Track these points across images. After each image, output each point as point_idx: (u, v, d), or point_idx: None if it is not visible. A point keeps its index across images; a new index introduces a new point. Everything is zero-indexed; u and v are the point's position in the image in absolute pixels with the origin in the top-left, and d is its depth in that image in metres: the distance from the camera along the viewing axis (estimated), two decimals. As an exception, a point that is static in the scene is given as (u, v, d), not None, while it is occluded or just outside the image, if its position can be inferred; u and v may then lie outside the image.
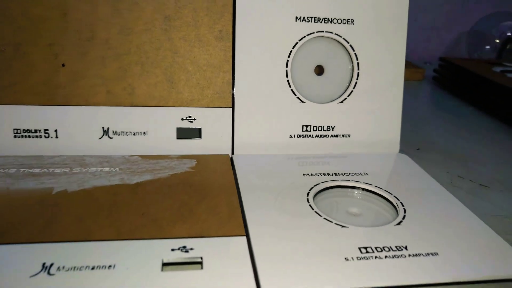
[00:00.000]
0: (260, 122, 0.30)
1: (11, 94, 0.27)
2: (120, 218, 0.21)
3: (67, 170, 0.26)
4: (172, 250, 0.19)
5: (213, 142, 0.29)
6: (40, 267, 0.18)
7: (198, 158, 0.28)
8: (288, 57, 0.29)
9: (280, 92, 0.30)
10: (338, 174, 0.27)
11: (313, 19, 0.29)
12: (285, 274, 0.18)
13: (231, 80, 0.29)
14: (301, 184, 0.26)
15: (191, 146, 0.29)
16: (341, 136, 0.31)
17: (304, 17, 0.29)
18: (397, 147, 0.32)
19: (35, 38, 0.27)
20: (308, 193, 0.25)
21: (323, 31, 0.30)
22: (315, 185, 0.26)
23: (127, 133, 0.28)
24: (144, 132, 0.29)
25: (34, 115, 0.27)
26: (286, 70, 0.30)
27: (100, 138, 0.28)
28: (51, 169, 0.26)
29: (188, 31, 0.28)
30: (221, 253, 0.19)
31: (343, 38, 0.30)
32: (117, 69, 0.28)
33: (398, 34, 0.31)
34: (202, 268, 0.18)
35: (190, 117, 0.29)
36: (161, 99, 0.29)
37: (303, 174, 0.27)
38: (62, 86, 0.27)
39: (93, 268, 0.18)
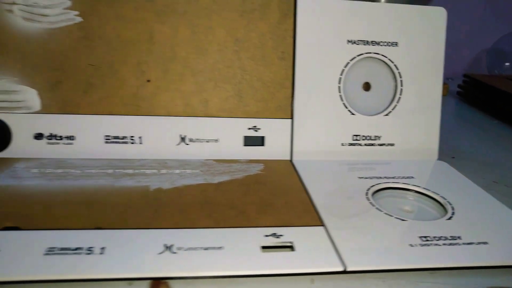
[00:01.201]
0: (316, 132, 0.34)
1: (104, 105, 0.31)
2: (214, 210, 0.25)
3: (156, 171, 0.29)
4: (266, 236, 0.23)
5: (274, 149, 0.33)
6: (163, 247, 0.21)
7: (264, 162, 0.32)
8: (341, 75, 0.33)
9: (333, 105, 0.34)
10: (389, 177, 0.31)
11: (362, 42, 0.33)
12: (363, 255, 0.22)
13: (291, 95, 0.33)
14: (359, 185, 0.30)
15: (255, 152, 0.33)
16: (386, 144, 0.35)
17: (354, 40, 0.33)
18: (435, 154, 0.35)
19: (126, 58, 0.31)
20: (367, 192, 0.28)
21: (371, 53, 0.34)
22: (371, 186, 0.29)
23: (201, 140, 0.32)
24: (216, 140, 0.32)
25: (123, 124, 0.31)
26: (339, 86, 0.33)
27: (177, 145, 0.32)
28: (142, 170, 0.29)
29: (255, 52, 0.32)
30: (306, 239, 0.23)
31: (388, 59, 0.34)
32: (194, 84, 0.32)
33: (436, 55, 0.35)
34: (294, 250, 0.22)
35: (255, 126, 0.33)
36: (231, 111, 0.32)
37: (358, 177, 0.31)
38: (147, 98, 0.31)
39: (206, 249, 0.21)
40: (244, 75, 0.32)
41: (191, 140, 0.32)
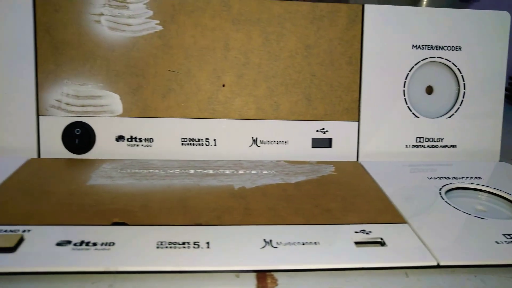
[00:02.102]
0: (381, 134, 0.35)
1: (181, 109, 0.33)
2: (300, 208, 0.26)
3: (234, 171, 0.31)
4: (356, 232, 0.24)
5: (341, 151, 0.34)
6: (263, 242, 0.23)
7: (333, 163, 0.33)
8: (405, 78, 0.34)
9: (398, 108, 0.35)
10: (457, 178, 0.32)
11: (426, 46, 0.34)
12: (454, 250, 0.23)
13: (358, 98, 0.34)
14: (430, 185, 0.30)
15: (322, 154, 0.34)
16: (448, 146, 0.35)
17: (419, 45, 0.34)
18: (497, 156, 0.36)
19: (202, 64, 0.33)
20: (440, 192, 0.29)
21: (435, 57, 0.35)
22: (442, 186, 0.30)
23: (272, 142, 0.34)
24: (285, 142, 0.34)
25: (198, 127, 0.33)
26: (404, 90, 0.34)
27: (249, 146, 0.34)
28: (221, 171, 0.31)
29: (324, 57, 0.34)
30: (394, 235, 0.24)
31: (452, 63, 0.35)
32: (266, 89, 0.33)
33: (499, 58, 0.36)
34: (385, 245, 0.23)
35: (323, 129, 0.34)
36: (300, 114, 0.34)
37: (428, 178, 0.32)
38: (221, 102, 0.33)
39: (304, 244, 0.23)
40: (313, 80, 0.34)
41: (262, 142, 0.34)
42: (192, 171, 0.31)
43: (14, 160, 0.31)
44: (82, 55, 0.32)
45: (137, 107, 0.33)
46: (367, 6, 0.34)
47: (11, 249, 0.21)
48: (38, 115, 0.32)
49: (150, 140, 0.33)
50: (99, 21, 0.32)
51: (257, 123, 0.33)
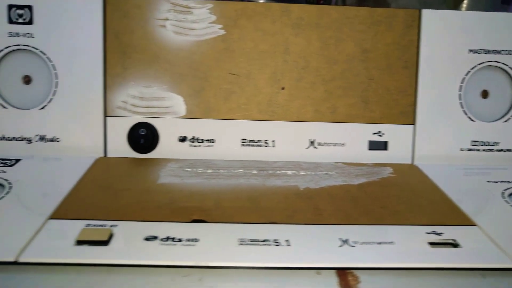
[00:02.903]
0: (436, 137, 0.35)
1: (242, 111, 0.34)
2: (368, 209, 0.27)
3: (296, 172, 0.32)
4: (427, 233, 0.24)
5: (397, 153, 0.35)
6: (340, 241, 0.23)
7: (390, 166, 0.34)
8: (461, 83, 0.35)
9: (454, 112, 0.35)
10: (516, 181, 0.32)
11: (483, 51, 0.35)
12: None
13: (414, 102, 0.35)
14: (491, 189, 0.31)
15: (378, 156, 0.35)
16: (504, 150, 0.36)
17: (476, 50, 0.35)
18: (552, 161, 0.36)
19: (262, 67, 0.34)
20: (503, 195, 0.30)
21: (491, 61, 0.35)
22: (504, 190, 0.30)
23: (329, 144, 0.34)
24: (342, 144, 0.34)
25: (258, 128, 0.34)
26: (459, 94, 0.35)
27: (307, 148, 0.34)
28: (283, 171, 0.32)
29: (381, 62, 0.34)
30: (466, 237, 0.24)
31: (509, 67, 0.35)
32: (324, 92, 0.34)
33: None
34: (459, 247, 0.23)
35: (379, 131, 0.34)
36: (357, 117, 0.34)
37: (487, 181, 0.32)
38: (280, 105, 0.34)
39: (379, 243, 0.23)
40: (370, 83, 0.34)
41: (319, 144, 0.34)
42: (255, 171, 0.32)
43: (84, 159, 0.33)
44: (148, 58, 0.33)
45: (199, 109, 0.34)
46: (424, 11, 0.34)
47: (105, 243, 0.23)
48: (105, 116, 0.34)
49: (211, 140, 0.34)
50: (164, 26, 0.33)
51: (314, 125, 0.34)
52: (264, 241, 0.23)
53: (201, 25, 0.33)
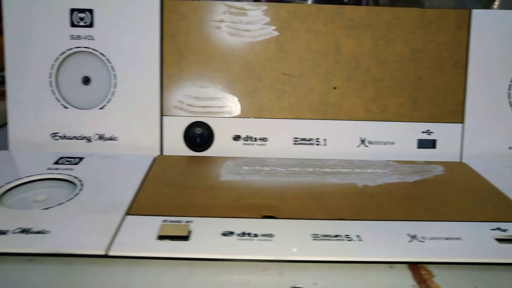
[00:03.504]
0: (485, 136, 0.35)
1: (294, 110, 0.35)
2: (429, 205, 0.28)
3: (350, 170, 0.33)
4: (492, 229, 0.25)
5: (445, 151, 0.35)
6: (409, 237, 0.24)
7: (440, 164, 0.34)
8: (510, 82, 0.35)
9: (503, 111, 0.35)
10: None
11: (532, 50, 0.35)
12: None
13: (462, 101, 0.35)
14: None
15: (427, 154, 0.35)
16: (551, 148, 0.36)
17: (524, 49, 0.35)
18: None
19: (314, 67, 0.34)
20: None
21: (539, 60, 0.35)
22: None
23: (379, 143, 0.35)
24: (392, 142, 0.35)
25: (310, 127, 0.35)
26: (509, 93, 0.35)
27: (357, 146, 0.35)
28: (338, 169, 0.33)
29: (430, 61, 0.35)
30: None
31: (556, 66, 0.35)
32: (374, 92, 0.35)
33: None
34: (525, 243, 0.24)
35: (428, 130, 0.35)
36: (406, 116, 0.35)
37: (539, 178, 0.32)
38: (332, 104, 0.35)
39: (447, 239, 0.24)
40: (420, 83, 0.35)
41: (370, 142, 0.35)
42: (310, 169, 0.32)
43: (144, 157, 0.34)
44: (204, 59, 0.34)
45: (253, 108, 0.35)
46: (474, 11, 0.34)
47: (185, 238, 0.24)
48: (161, 115, 0.35)
49: (264, 139, 0.35)
50: (219, 28, 0.34)
51: (365, 124, 0.35)
52: (336, 236, 0.24)
53: (256, 27, 0.34)
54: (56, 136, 0.35)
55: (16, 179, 0.30)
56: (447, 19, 0.35)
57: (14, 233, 0.24)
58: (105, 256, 0.22)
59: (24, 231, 0.24)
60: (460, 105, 0.35)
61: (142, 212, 0.26)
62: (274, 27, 0.34)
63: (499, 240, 0.24)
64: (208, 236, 0.24)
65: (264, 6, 0.34)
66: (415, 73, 0.35)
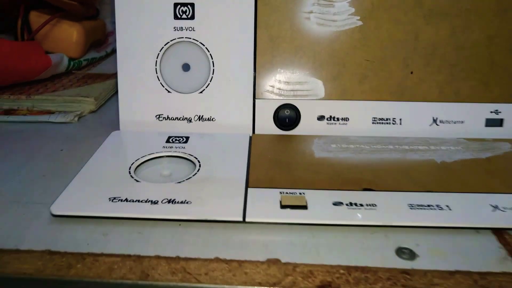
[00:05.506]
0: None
1: (374, 92, 0.38)
2: (505, 179, 0.31)
3: (427, 147, 0.36)
4: None
5: (511, 130, 0.39)
6: (491, 207, 0.28)
7: (508, 141, 0.38)
8: None
9: None
10: None
11: None
12: None
13: (530, 83, 0.38)
14: None
15: (494, 132, 0.39)
16: None
17: None
18: None
19: (394, 54, 0.38)
20: None
21: None
22: None
23: (450, 122, 0.39)
24: (462, 121, 0.39)
25: (388, 108, 0.38)
26: None
27: (430, 125, 0.39)
28: (415, 146, 0.37)
29: (504, 47, 0.37)
30: None
31: None
32: (449, 75, 0.38)
33: None
34: None
35: (497, 110, 0.38)
36: (477, 97, 0.38)
37: None
38: (409, 87, 0.38)
39: None
40: (493, 67, 0.38)
41: (441, 121, 0.39)
42: (392, 147, 0.36)
43: (241, 136, 0.38)
44: (294, 47, 0.38)
45: (336, 91, 0.38)
46: (547, -2, 0.37)
47: (304, 207, 0.28)
48: (254, 98, 0.39)
49: (346, 119, 0.39)
50: (308, 18, 0.37)
51: (438, 105, 0.38)
52: (428, 206, 0.29)
53: (342, 17, 0.37)
54: (160, 117, 0.40)
55: (142, 156, 0.35)
56: (521, 7, 0.37)
57: (163, 203, 0.29)
58: (243, 221, 0.28)
59: (170, 201, 0.29)
60: (528, 87, 0.38)
61: (261, 185, 0.31)
62: (358, 17, 0.37)
63: None
64: (322, 206, 0.29)
65: (349, -2, 0.37)
66: (489, 58, 0.38)
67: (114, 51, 0.64)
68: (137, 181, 0.31)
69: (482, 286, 0.24)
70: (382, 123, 0.39)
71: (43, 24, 0.50)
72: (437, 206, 0.29)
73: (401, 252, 0.26)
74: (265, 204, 0.29)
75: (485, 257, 0.26)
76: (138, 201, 0.29)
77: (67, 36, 0.51)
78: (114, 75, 0.50)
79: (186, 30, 0.38)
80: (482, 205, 0.29)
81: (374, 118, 0.39)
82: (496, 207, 0.29)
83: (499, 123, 0.39)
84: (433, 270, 0.25)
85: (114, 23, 0.40)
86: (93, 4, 0.60)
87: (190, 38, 0.38)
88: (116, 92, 0.40)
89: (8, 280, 0.26)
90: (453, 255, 0.26)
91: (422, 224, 0.27)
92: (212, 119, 0.40)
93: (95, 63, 0.58)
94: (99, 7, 0.66)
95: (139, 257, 0.26)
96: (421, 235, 0.28)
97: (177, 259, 0.26)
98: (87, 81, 0.50)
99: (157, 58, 0.39)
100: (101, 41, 0.63)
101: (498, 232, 0.28)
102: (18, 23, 0.50)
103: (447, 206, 0.29)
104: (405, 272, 0.25)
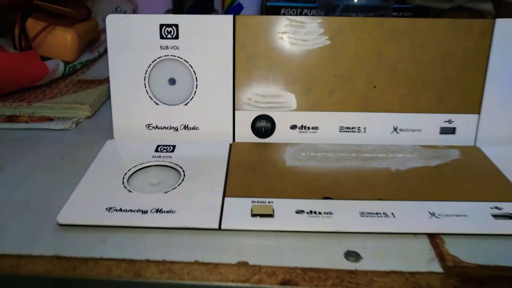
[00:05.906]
0: (497, 124, 0.42)
1: (341, 105, 0.42)
2: (446, 188, 0.36)
3: (385, 155, 0.41)
4: (491, 208, 0.34)
5: (462, 137, 0.43)
6: (429, 214, 0.33)
7: (457, 148, 0.42)
8: (523, 79, 0.42)
9: (513, 103, 0.42)
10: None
11: (545, 52, 0.41)
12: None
13: (480, 96, 0.42)
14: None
15: (448, 139, 0.43)
16: (552, 133, 0.43)
17: (538, 51, 0.41)
18: None
19: (359, 70, 0.42)
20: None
21: (551, 60, 0.41)
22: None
23: (408, 130, 0.43)
24: (419, 130, 0.43)
25: (353, 118, 0.43)
26: (521, 88, 0.42)
27: (391, 133, 0.43)
28: (375, 154, 0.41)
29: (457, 64, 0.41)
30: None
31: None
32: (408, 89, 0.42)
33: None
34: (515, 219, 0.33)
35: (450, 120, 0.43)
36: (433, 108, 0.42)
37: (537, 162, 0.40)
38: (372, 99, 0.42)
39: (457, 216, 0.33)
40: (447, 81, 0.42)
41: (401, 129, 0.43)
42: (354, 155, 0.41)
43: (221, 143, 0.43)
44: (269, 64, 0.42)
45: (307, 103, 0.42)
46: (497, 21, 0.40)
47: (271, 215, 0.33)
48: (234, 110, 0.43)
49: (316, 128, 0.43)
50: (282, 38, 0.41)
51: (398, 115, 0.42)
52: (377, 213, 0.34)
53: (312, 37, 0.41)
54: (150, 126, 0.44)
55: (134, 166, 0.39)
56: (473, 28, 0.40)
57: (152, 212, 0.34)
58: (219, 229, 0.32)
59: (158, 211, 0.34)
60: (478, 99, 0.42)
61: (236, 195, 0.36)
62: (327, 37, 0.41)
63: (495, 216, 0.33)
64: (286, 214, 0.34)
65: (319, 20, 0.40)
66: (443, 73, 0.41)
67: (106, 51, 0.66)
68: (129, 191, 0.36)
69: (412, 282, 0.30)
70: (348, 131, 0.43)
71: (39, 32, 0.53)
72: (384, 213, 0.34)
73: (349, 255, 0.31)
74: (238, 213, 0.34)
75: (418, 259, 0.31)
76: (131, 210, 0.34)
77: (62, 42, 0.55)
78: (107, 80, 0.54)
79: (171, 48, 0.42)
80: (422, 212, 0.34)
81: (341, 127, 0.43)
82: (433, 214, 0.34)
83: (452, 131, 0.43)
84: (373, 270, 0.30)
85: (104, 20, 0.43)
86: (85, 5, 0.63)
87: (175, 56, 0.42)
88: (109, 97, 0.45)
89: (24, 279, 0.31)
90: (392, 257, 0.31)
91: (369, 230, 0.33)
92: (196, 128, 0.44)
93: (89, 65, 0.61)
94: (91, 4, 0.69)
95: (132, 261, 0.31)
96: (368, 240, 0.33)
97: (164, 262, 0.31)
98: (82, 86, 0.54)
99: (145, 73, 0.43)
100: (94, 40, 0.66)
101: (432, 237, 0.33)
102: (16, 31, 0.53)
103: (392, 213, 0.34)
104: (350, 272, 0.30)
